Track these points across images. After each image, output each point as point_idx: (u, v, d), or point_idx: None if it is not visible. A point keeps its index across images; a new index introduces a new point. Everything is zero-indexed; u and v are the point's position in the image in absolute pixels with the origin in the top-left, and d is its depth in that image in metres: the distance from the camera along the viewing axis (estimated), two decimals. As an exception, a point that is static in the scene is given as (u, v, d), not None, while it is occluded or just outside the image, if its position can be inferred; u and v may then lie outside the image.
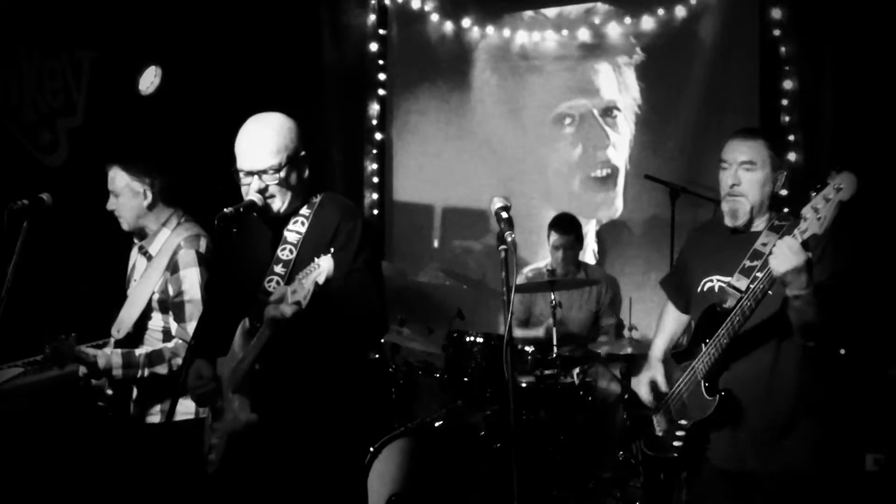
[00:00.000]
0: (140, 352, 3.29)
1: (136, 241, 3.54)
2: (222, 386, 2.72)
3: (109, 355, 3.26)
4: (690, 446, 2.81)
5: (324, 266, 2.30)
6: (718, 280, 2.84)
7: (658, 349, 3.13)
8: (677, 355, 2.97)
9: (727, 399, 2.72)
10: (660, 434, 2.95)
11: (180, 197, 3.56)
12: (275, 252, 2.70)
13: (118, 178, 3.43)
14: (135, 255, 3.57)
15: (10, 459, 3.85)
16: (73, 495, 4.01)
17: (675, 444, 2.84)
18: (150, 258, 3.45)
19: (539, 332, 4.95)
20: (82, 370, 3.34)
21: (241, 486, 2.70)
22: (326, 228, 2.68)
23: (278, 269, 2.67)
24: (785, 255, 2.45)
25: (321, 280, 2.29)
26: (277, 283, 2.65)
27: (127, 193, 3.42)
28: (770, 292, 2.58)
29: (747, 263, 2.76)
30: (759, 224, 2.83)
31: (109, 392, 3.45)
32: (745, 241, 2.83)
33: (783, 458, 2.72)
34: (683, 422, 2.83)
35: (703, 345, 2.78)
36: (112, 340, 3.43)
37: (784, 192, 2.90)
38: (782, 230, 2.76)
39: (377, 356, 4.67)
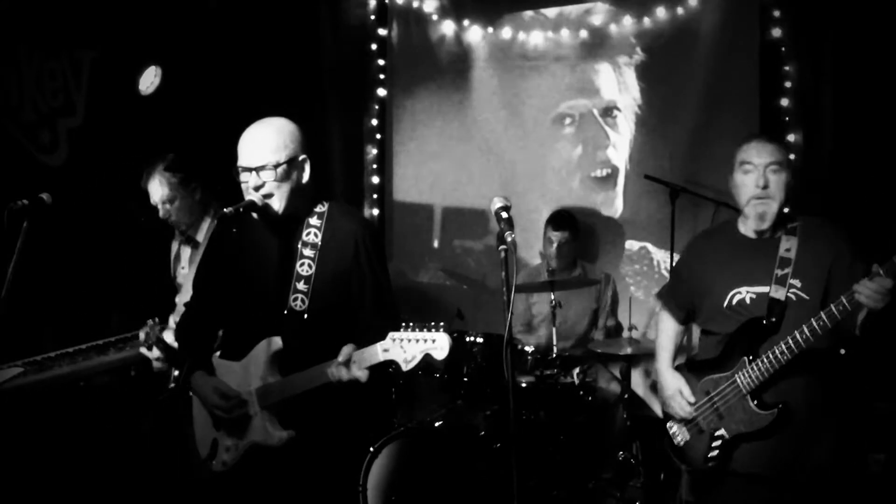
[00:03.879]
0: None
1: (178, 232, 3.77)
2: (244, 403, 2.71)
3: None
4: (725, 457, 2.80)
5: (442, 344, 2.37)
6: (749, 291, 2.81)
7: (666, 361, 3.10)
8: (694, 364, 2.94)
9: (784, 412, 2.70)
10: (680, 444, 2.93)
11: (218, 187, 3.70)
12: (286, 259, 2.70)
13: (164, 188, 3.65)
14: (176, 245, 3.80)
15: (10, 459, 3.85)
16: (73, 495, 4.01)
17: (711, 454, 2.82)
18: (196, 245, 3.65)
19: (532, 340, 4.96)
20: (156, 355, 3.55)
21: (247, 486, 2.72)
22: (344, 242, 2.71)
23: (301, 286, 2.67)
24: (881, 297, 2.47)
25: (440, 356, 2.37)
26: (302, 300, 2.66)
27: (180, 197, 3.65)
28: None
29: (779, 272, 2.75)
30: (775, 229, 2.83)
31: (176, 373, 3.58)
32: (765, 247, 2.81)
33: (812, 464, 2.73)
34: (721, 432, 2.81)
35: (745, 359, 2.75)
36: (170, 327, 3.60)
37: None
38: (796, 232, 2.78)
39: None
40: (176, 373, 3.56)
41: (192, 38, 5.12)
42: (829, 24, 4.80)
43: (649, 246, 5.54)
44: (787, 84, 5.00)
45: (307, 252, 2.70)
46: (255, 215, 2.67)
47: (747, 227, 2.88)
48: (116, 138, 4.87)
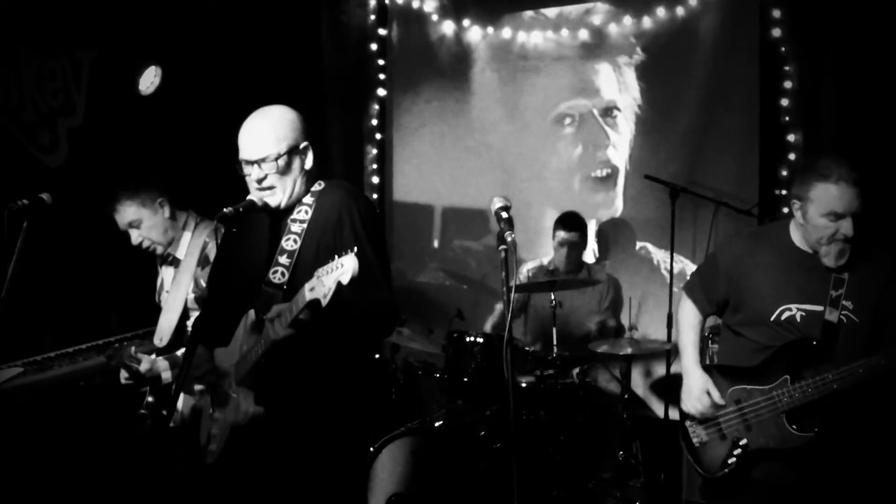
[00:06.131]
0: (181, 352, 3.35)
1: (158, 257, 3.60)
2: (225, 376, 2.72)
3: (154, 360, 3.34)
4: (743, 466, 2.77)
5: (348, 265, 2.26)
6: (799, 309, 2.77)
7: (693, 358, 3.01)
8: (726, 369, 2.90)
9: (821, 438, 2.66)
10: (697, 445, 2.89)
11: (190, 197, 3.60)
12: (277, 242, 2.69)
13: (128, 212, 3.46)
14: (162, 269, 3.61)
15: (10, 459, 3.85)
16: (73, 495, 4.01)
17: (730, 461, 2.79)
18: (177, 264, 3.50)
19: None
20: (124, 375, 3.41)
21: (239, 479, 2.70)
22: (329, 214, 2.66)
23: (283, 259, 2.66)
24: None
25: (346, 280, 2.25)
26: (283, 273, 2.64)
27: (146, 217, 3.47)
28: None
29: (833, 293, 2.72)
30: None
31: (150, 399, 3.47)
32: (818, 267, 2.76)
33: (852, 476, 2.70)
34: (744, 442, 2.78)
35: (787, 377, 2.72)
36: (155, 348, 3.49)
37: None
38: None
39: (377, 356, 4.66)
40: (150, 398, 3.45)
41: (192, 38, 5.11)
42: (829, 24, 4.80)
43: (649, 246, 5.54)
44: (787, 84, 5.01)
45: (294, 228, 2.68)
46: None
47: (804, 242, 2.80)
48: (116, 138, 4.87)
